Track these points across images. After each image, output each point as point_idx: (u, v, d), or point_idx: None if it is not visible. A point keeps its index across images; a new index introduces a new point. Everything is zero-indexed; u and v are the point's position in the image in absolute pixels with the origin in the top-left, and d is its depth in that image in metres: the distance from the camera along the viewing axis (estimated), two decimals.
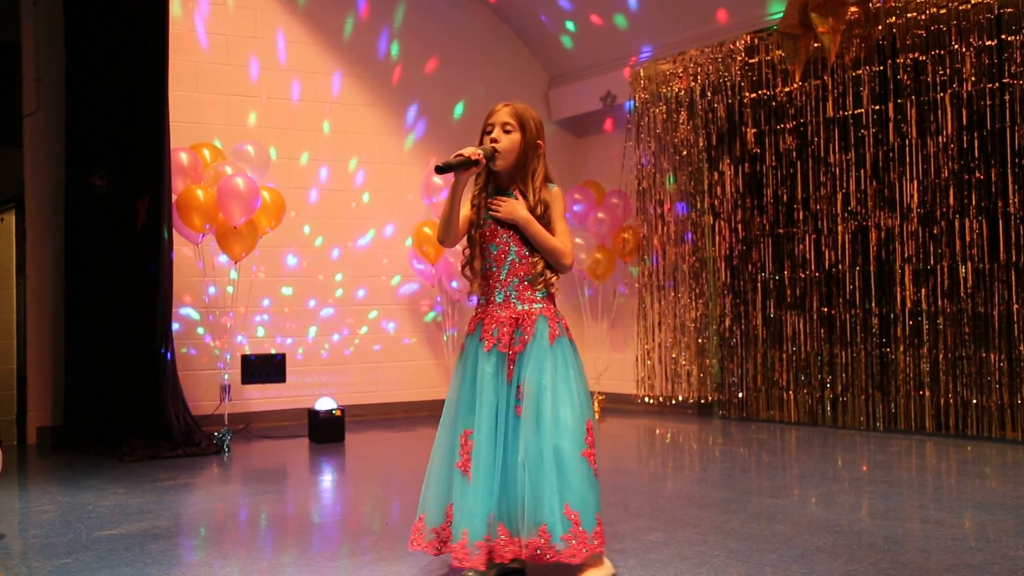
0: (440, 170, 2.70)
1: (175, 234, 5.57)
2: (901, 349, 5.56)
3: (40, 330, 5.85)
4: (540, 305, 2.76)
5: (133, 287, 5.53)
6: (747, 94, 6.37)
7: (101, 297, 5.60)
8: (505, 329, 2.73)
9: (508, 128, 2.76)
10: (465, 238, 2.87)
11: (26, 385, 5.81)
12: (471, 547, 2.60)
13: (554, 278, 2.80)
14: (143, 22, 5.56)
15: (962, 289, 5.30)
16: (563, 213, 2.84)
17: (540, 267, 2.77)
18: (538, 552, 2.56)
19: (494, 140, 2.76)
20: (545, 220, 2.78)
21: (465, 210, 2.85)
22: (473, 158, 2.71)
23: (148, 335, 5.44)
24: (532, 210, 2.76)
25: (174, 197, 5.48)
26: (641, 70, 7.01)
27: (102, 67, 5.65)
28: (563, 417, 2.63)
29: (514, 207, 2.76)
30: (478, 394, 2.70)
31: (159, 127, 5.45)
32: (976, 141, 5.24)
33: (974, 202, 5.25)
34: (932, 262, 5.44)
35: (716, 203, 6.56)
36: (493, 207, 2.79)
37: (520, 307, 2.75)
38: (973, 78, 5.24)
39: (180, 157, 5.53)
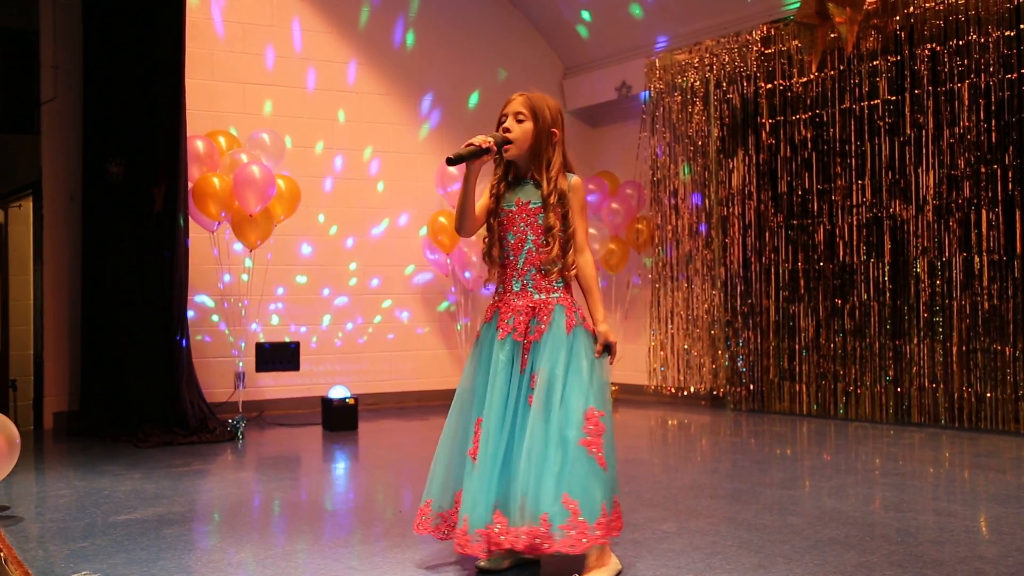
0: (451, 162, 2.70)
1: (191, 221, 5.60)
2: (915, 341, 5.54)
3: (57, 316, 5.89)
4: (557, 295, 2.75)
5: (149, 274, 5.56)
6: (763, 84, 6.34)
7: (117, 284, 5.63)
8: (521, 318, 2.72)
9: (521, 118, 2.76)
10: (484, 226, 2.87)
11: (43, 370, 5.86)
12: (472, 534, 2.60)
13: (572, 270, 2.77)
14: (160, 10, 5.59)
15: (977, 282, 5.27)
16: (583, 206, 2.81)
17: (555, 254, 2.74)
18: (537, 541, 2.53)
19: (507, 130, 2.76)
20: (564, 210, 2.76)
21: (484, 198, 2.85)
22: (484, 146, 2.71)
23: (164, 322, 5.48)
24: (546, 198, 2.75)
25: (190, 185, 5.51)
26: (657, 60, 6.99)
27: (119, 55, 5.67)
28: (572, 406, 2.61)
29: (606, 335, 2.73)
30: (490, 382, 2.70)
31: (175, 115, 5.48)
32: (993, 132, 5.20)
33: (990, 194, 5.22)
34: (947, 254, 5.41)
35: (731, 194, 6.54)
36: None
37: (537, 296, 2.74)
38: (991, 69, 5.20)
39: (196, 145, 5.56)
